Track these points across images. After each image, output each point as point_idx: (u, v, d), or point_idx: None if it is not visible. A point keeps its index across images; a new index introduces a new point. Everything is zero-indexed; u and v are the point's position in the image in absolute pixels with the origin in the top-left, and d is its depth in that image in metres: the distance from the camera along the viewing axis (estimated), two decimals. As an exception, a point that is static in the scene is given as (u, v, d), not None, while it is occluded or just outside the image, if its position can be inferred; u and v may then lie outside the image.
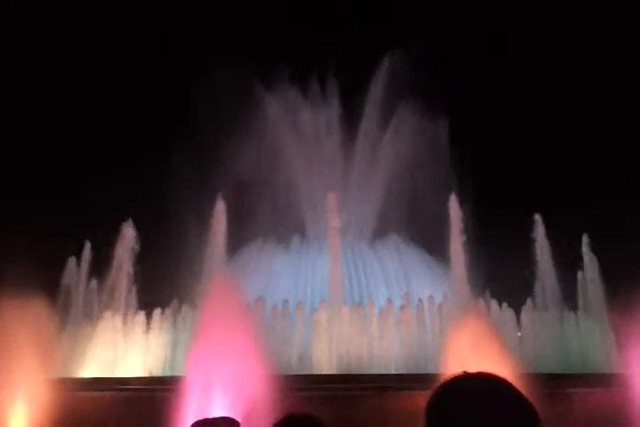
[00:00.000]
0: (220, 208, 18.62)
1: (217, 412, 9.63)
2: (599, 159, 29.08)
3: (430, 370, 12.60)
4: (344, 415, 10.56)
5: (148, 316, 17.16)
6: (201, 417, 9.51)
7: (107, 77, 31.31)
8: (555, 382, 12.21)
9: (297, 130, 24.89)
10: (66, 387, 11.39)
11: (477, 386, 1.74)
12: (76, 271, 18.82)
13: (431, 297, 17.22)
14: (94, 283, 18.87)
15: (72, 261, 18.87)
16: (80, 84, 30.91)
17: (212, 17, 32.26)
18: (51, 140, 27.85)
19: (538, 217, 19.77)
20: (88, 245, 19.33)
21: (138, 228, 19.52)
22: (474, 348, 10.50)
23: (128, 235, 19.16)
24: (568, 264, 19.64)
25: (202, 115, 23.09)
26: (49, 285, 16.00)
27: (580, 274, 19.38)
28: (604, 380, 12.08)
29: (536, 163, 29.27)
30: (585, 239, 19.67)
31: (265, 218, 22.96)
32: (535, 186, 26.18)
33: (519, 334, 21.03)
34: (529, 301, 18.31)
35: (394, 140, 24.57)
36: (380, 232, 23.41)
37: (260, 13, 31.30)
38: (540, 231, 19.54)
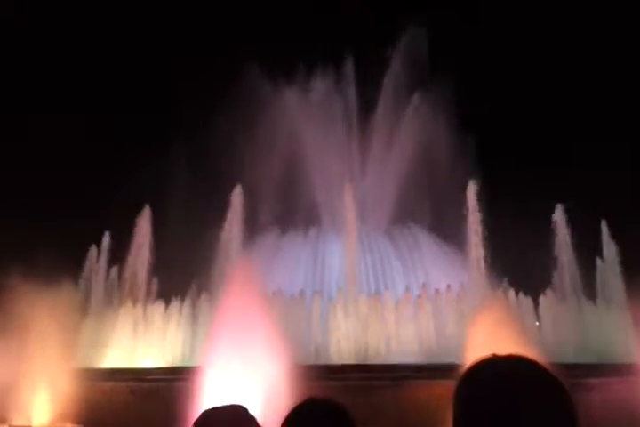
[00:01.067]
0: (237, 200, 18.63)
1: (235, 402, 9.67)
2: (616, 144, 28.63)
3: (448, 360, 12.51)
4: (361, 405, 10.57)
5: (167, 306, 17.22)
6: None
7: (109, 75, 31.32)
8: (572, 372, 12.07)
9: (312, 119, 24.73)
10: (86, 377, 11.52)
11: (507, 368, 1.68)
12: (95, 261, 19.02)
13: (449, 287, 17.10)
14: (114, 271, 19.05)
15: (93, 250, 19.05)
16: (82, 82, 30.94)
17: (218, 9, 32.01)
18: (57, 139, 27.85)
19: (559, 206, 19.51)
20: (107, 236, 19.49)
21: (155, 217, 19.62)
22: (492, 337, 10.45)
23: (146, 225, 19.28)
24: (588, 252, 19.47)
25: (216, 104, 23.19)
26: (70, 274, 16.17)
27: (599, 262, 19.20)
28: (620, 370, 11.98)
29: (555, 148, 28.94)
30: (604, 227, 19.44)
31: (282, 207, 22.96)
32: (554, 171, 25.75)
33: (537, 323, 20.94)
34: (548, 290, 18.13)
35: (410, 128, 24.40)
36: (398, 220, 23.24)
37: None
38: (560, 221, 19.31)
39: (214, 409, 2.68)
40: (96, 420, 10.50)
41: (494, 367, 1.69)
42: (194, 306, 17.05)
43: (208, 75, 25.61)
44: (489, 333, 10.67)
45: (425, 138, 23.93)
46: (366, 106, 25.21)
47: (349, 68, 26.07)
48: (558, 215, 19.41)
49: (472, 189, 18.86)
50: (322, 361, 15.15)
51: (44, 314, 11.46)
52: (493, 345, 9.78)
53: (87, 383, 11.23)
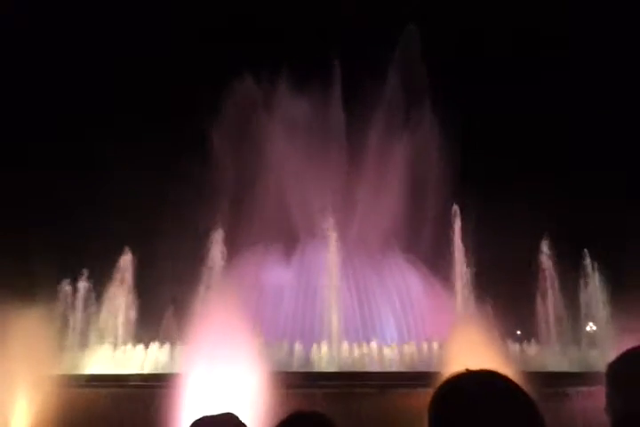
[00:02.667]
0: (218, 236, 18.26)
1: (216, 408, 9.64)
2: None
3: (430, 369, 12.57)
4: (345, 413, 10.59)
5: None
6: (199, 414, 9.60)
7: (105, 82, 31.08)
8: (554, 381, 12.24)
9: (297, 143, 24.47)
10: (66, 383, 11.40)
11: (479, 382, 1.78)
12: (71, 301, 18.53)
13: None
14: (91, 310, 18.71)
15: (66, 290, 18.54)
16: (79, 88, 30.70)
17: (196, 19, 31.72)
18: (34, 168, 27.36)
19: (544, 245, 19.56)
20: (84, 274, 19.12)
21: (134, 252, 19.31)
22: (474, 348, 10.56)
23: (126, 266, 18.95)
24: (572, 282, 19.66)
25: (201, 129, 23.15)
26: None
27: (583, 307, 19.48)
28: (601, 378, 12.08)
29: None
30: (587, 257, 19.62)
31: (264, 232, 22.65)
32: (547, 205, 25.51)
33: (518, 332, 21.23)
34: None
35: (399, 160, 24.20)
36: (384, 249, 23.10)
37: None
38: (544, 261, 19.44)
39: (205, 417, 2.67)
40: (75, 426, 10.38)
41: (465, 382, 1.79)
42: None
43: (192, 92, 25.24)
44: (470, 343, 10.78)
45: (414, 169, 23.88)
46: (354, 128, 24.85)
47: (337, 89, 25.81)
48: (544, 257, 19.49)
49: (458, 231, 18.97)
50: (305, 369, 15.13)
51: (24, 321, 11.37)
52: (474, 356, 9.91)
53: (66, 390, 11.11)
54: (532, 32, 31.24)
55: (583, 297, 19.45)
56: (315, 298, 19.54)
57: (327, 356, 15.96)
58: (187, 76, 28.88)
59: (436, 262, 21.42)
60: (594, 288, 19.35)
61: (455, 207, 19.39)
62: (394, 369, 15.29)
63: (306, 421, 2.45)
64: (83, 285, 18.89)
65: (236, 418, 2.65)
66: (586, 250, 19.97)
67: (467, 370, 1.84)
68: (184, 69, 29.45)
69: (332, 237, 18.43)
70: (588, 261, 19.72)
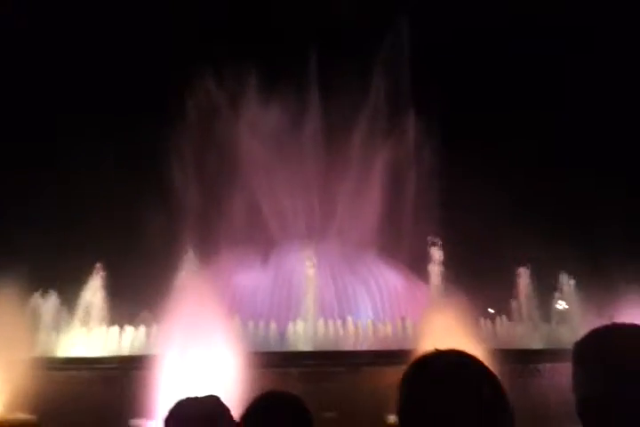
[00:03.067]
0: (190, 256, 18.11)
1: (191, 389, 9.67)
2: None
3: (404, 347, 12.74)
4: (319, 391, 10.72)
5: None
6: (175, 395, 9.63)
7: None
8: (525, 357, 12.52)
9: (276, 150, 24.30)
10: (41, 366, 11.33)
11: (447, 363, 1.83)
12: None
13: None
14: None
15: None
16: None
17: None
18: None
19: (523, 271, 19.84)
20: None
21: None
22: (444, 327, 10.74)
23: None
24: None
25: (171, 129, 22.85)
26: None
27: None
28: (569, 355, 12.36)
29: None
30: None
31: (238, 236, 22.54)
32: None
33: (491, 310, 21.62)
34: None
35: (378, 162, 24.21)
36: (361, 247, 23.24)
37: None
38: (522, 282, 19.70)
39: (188, 399, 2.66)
40: (50, 410, 10.34)
41: (434, 362, 1.85)
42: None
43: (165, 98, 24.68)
44: (444, 322, 10.95)
45: (394, 179, 23.93)
46: (333, 130, 24.43)
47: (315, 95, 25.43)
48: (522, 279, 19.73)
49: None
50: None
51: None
52: (448, 334, 10.06)
53: (43, 372, 11.06)
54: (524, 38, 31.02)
55: (554, 275, 19.81)
56: (290, 284, 19.75)
57: (303, 334, 16.11)
58: (154, 79, 28.07)
59: (412, 261, 21.62)
60: (565, 267, 19.72)
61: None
62: (369, 347, 15.48)
63: (275, 400, 2.46)
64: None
65: (219, 400, 2.65)
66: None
67: (436, 349, 1.89)
68: (150, 72, 28.71)
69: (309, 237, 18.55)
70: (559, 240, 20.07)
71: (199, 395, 2.71)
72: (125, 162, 24.78)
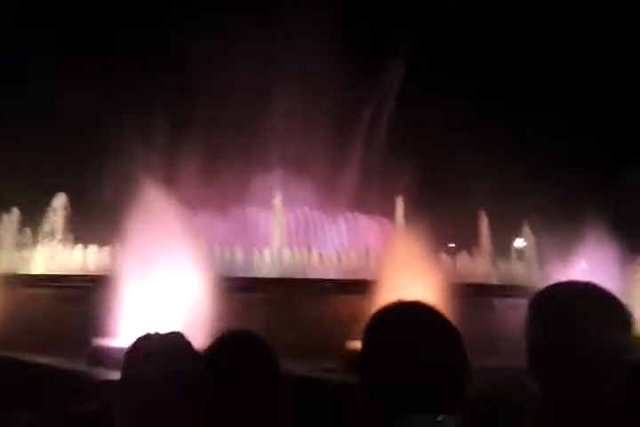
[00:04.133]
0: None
1: (155, 313, 9.81)
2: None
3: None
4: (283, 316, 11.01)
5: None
6: (138, 315, 9.79)
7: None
8: (482, 291, 12.99)
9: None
10: (3, 283, 11.30)
11: (408, 314, 1.99)
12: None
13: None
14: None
15: None
16: None
17: None
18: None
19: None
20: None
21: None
22: (405, 259, 10.99)
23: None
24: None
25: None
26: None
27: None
28: (524, 292, 12.85)
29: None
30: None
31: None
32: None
33: (451, 245, 22.19)
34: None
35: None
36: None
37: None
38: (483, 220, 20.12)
39: (150, 335, 2.63)
40: (10, 328, 10.37)
41: (395, 313, 1.99)
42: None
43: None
44: (404, 254, 11.20)
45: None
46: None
47: None
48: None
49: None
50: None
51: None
52: (404, 268, 10.30)
53: (2, 290, 11.05)
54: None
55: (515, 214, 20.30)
56: (258, 219, 19.83)
57: (269, 261, 16.36)
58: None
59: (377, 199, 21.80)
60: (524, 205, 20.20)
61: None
62: (334, 277, 15.83)
63: (236, 341, 2.47)
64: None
65: (183, 337, 2.64)
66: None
67: (398, 301, 2.02)
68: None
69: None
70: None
71: (161, 331, 2.67)
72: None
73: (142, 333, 2.61)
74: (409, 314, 1.97)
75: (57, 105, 23.76)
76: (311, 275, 15.83)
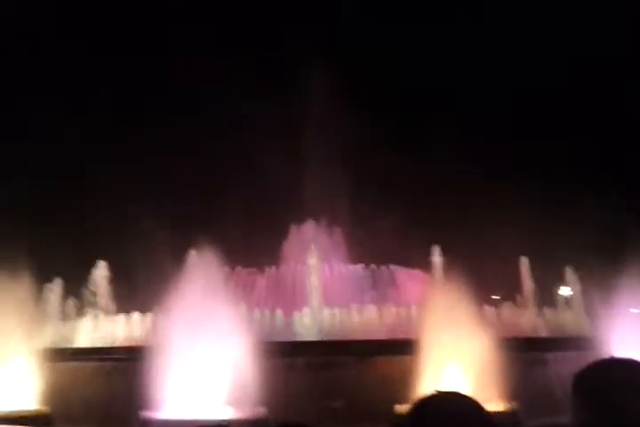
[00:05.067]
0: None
1: (200, 382, 9.76)
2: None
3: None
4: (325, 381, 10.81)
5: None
6: (182, 385, 9.72)
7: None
8: (529, 346, 12.55)
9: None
10: (51, 357, 11.40)
11: (446, 405, 2.04)
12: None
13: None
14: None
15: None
16: None
17: None
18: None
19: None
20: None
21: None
22: (449, 315, 10.73)
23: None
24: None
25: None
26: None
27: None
28: (577, 343, 12.38)
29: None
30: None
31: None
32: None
33: (495, 296, 21.68)
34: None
35: None
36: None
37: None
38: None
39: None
40: (61, 401, 10.42)
41: (434, 405, 2.05)
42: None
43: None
44: (445, 310, 10.95)
45: None
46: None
47: None
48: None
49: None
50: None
51: (1, 295, 11.27)
52: (450, 323, 10.10)
53: (50, 364, 11.13)
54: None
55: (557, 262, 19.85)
56: (294, 276, 19.85)
57: (309, 323, 16.17)
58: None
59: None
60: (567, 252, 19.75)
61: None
62: (374, 336, 15.52)
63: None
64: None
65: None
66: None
67: (436, 391, 2.11)
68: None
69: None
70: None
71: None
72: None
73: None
74: (447, 411, 1.98)
75: (89, 178, 24.70)
76: (352, 335, 15.57)
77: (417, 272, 21.21)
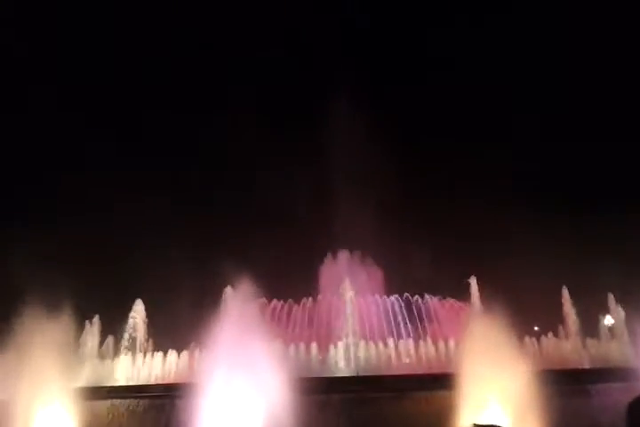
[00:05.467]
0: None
1: (236, 419, 9.69)
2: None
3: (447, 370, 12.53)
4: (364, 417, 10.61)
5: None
6: (220, 422, 9.68)
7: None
8: (572, 378, 12.17)
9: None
10: (87, 396, 11.47)
11: None
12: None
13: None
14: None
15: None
16: None
17: None
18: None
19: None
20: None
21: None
22: (488, 348, 10.49)
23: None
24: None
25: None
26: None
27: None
28: (620, 374, 11.97)
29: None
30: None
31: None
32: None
33: (536, 328, 21.18)
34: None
35: None
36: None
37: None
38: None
39: None
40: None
41: None
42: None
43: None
44: (484, 344, 10.71)
45: None
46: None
47: None
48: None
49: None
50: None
51: (41, 336, 11.45)
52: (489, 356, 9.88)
53: (89, 402, 11.20)
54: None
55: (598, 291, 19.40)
56: (329, 308, 19.79)
57: (344, 358, 15.99)
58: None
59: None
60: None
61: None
62: (412, 370, 15.26)
63: None
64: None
65: None
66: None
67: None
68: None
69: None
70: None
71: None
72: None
73: None
74: None
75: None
76: (388, 370, 15.32)
77: (453, 302, 20.92)
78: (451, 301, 21.05)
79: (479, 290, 19.65)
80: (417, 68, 32.23)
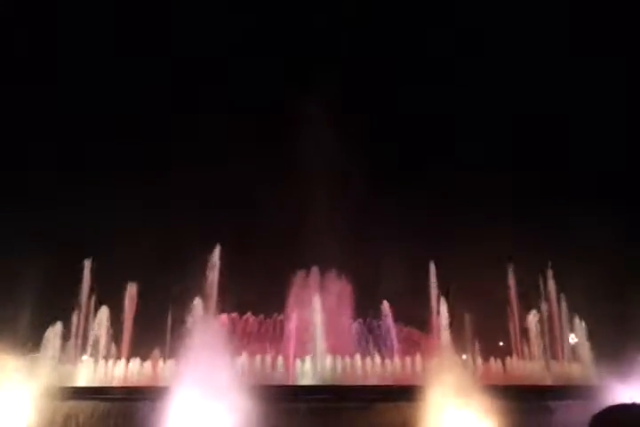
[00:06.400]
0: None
1: (200, 422, 9.60)
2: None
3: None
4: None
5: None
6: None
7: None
8: (537, 395, 12.35)
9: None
10: (50, 396, 11.29)
11: None
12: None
13: None
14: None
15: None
16: None
17: None
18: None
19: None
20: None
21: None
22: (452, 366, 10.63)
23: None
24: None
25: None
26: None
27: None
28: (582, 392, 12.17)
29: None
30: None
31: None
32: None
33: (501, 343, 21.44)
34: None
35: None
36: None
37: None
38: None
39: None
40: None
41: None
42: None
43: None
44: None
45: None
46: None
47: None
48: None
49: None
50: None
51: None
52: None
53: (51, 402, 11.02)
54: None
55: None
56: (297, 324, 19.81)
57: (311, 369, 15.96)
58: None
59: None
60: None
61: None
62: (376, 383, 15.29)
63: None
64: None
65: None
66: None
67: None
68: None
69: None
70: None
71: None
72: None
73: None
74: None
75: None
76: (354, 382, 15.32)
77: (415, 332, 21.23)
78: (414, 330, 21.33)
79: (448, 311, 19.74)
80: (391, 69, 32.47)
